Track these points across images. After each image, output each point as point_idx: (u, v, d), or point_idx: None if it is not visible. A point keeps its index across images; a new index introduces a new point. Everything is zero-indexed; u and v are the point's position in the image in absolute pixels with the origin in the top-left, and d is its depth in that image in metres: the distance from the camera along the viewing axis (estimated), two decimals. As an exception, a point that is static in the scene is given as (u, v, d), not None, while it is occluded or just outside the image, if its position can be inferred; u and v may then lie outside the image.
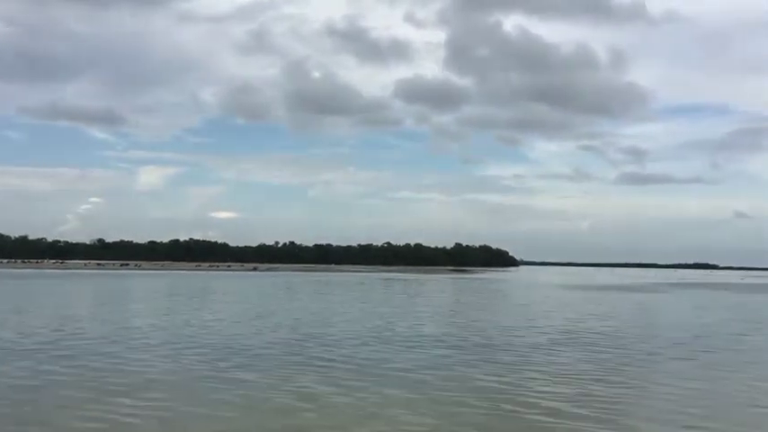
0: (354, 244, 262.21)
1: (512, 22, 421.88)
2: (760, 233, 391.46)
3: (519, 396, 15.10)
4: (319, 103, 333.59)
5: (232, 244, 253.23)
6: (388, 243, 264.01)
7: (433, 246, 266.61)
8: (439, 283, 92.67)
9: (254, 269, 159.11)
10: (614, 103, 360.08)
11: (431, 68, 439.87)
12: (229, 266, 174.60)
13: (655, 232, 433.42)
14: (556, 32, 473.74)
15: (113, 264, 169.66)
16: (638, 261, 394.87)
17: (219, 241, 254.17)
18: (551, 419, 13.04)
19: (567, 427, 12.57)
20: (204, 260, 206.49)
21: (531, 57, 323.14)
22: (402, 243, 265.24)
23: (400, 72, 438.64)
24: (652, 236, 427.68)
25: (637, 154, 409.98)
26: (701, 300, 59.01)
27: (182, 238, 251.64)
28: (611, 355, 21.70)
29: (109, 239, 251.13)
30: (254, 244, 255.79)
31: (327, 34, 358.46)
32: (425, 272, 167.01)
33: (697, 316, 39.56)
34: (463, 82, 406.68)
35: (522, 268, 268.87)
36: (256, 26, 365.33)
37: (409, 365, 19.00)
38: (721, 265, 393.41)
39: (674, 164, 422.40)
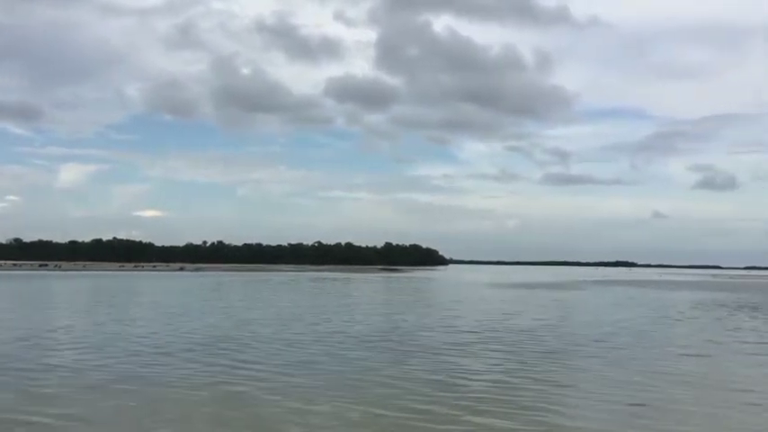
0: (285, 243, 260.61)
1: (441, 23, 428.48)
2: (676, 232, 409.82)
3: (426, 395, 15.36)
4: (249, 101, 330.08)
5: (158, 243, 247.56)
6: (319, 242, 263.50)
7: (363, 245, 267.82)
8: (367, 282, 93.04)
9: (181, 269, 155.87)
10: (540, 105, 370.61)
11: (362, 67, 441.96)
12: (155, 266, 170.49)
13: (578, 231, 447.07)
14: (484, 34, 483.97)
15: (31, 264, 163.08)
16: (562, 259, 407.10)
17: (145, 241, 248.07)
18: (459, 415, 13.38)
19: (472, 422, 12.95)
20: (129, 260, 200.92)
21: (461, 57, 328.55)
22: (333, 242, 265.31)
23: (331, 70, 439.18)
24: (576, 235, 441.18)
25: (561, 155, 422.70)
26: (618, 297, 61.12)
27: (105, 238, 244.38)
28: (521, 352, 22.29)
29: (26, 239, 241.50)
30: (181, 243, 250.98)
31: (257, 30, 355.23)
32: (356, 271, 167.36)
33: (612, 312, 40.96)
34: (394, 81, 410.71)
35: (452, 267, 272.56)
36: (183, 21, 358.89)
37: (324, 366, 19.11)
38: (640, 263, 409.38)
39: (597, 165, 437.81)
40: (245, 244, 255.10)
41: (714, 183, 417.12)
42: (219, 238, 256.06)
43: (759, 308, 47.24)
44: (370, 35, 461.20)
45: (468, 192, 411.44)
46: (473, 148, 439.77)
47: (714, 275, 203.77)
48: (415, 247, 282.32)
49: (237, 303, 44.69)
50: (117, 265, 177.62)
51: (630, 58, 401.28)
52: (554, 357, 21.20)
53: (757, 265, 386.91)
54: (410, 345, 23.77)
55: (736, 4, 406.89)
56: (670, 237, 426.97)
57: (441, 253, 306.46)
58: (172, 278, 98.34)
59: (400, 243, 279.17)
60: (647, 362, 20.52)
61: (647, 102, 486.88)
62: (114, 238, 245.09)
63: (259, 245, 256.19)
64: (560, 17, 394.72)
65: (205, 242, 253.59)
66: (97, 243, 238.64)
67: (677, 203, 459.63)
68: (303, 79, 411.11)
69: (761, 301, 57.17)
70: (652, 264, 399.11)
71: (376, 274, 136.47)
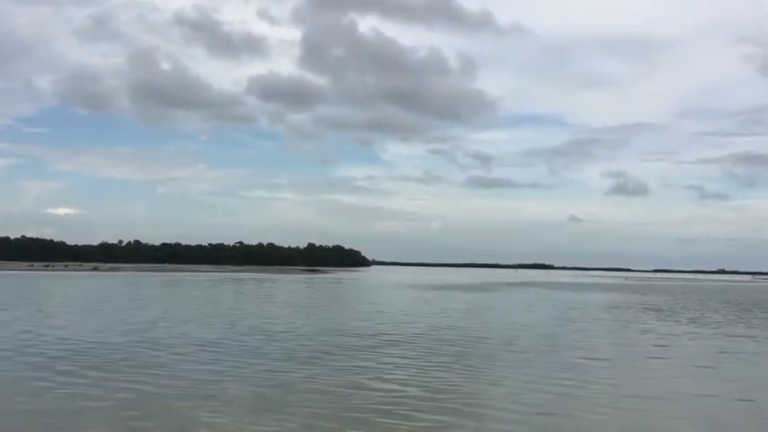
0: (205, 243, 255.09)
1: (367, 24, 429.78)
2: (590, 236, 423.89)
3: (307, 405, 15.34)
4: (168, 96, 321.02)
5: (70, 242, 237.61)
6: (241, 242, 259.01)
7: (286, 245, 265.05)
8: (288, 282, 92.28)
9: (95, 269, 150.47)
10: (463, 109, 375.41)
11: (286, 66, 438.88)
12: (66, 266, 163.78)
13: (498, 234, 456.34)
14: (410, 36, 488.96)
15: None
16: (483, 261, 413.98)
17: (56, 239, 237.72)
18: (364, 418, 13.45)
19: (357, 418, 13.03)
20: (39, 260, 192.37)
21: (386, 59, 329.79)
22: (255, 242, 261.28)
23: (254, 68, 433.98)
24: (496, 237, 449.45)
25: (483, 159, 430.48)
26: (532, 298, 62.84)
27: (13, 236, 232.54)
28: (425, 356, 22.59)
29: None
30: (95, 242, 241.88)
31: (177, 24, 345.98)
32: (278, 272, 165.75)
33: (523, 314, 42.04)
34: (319, 81, 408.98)
35: (374, 268, 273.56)
36: (100, 11, 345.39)
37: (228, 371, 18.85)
38: (557, 266, 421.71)
39: (517, 169, 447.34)
40: (164, 243, 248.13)
41: (626, 189, 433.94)
42: (136, 238, 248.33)
43: (663, 310, 49.53)
44: (295, 34, 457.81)
45: (392, 193, 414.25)
46: (397, 150, 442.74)
47: (625, 278, 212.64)
48: (339, 248, 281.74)
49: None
50: (26, 264, 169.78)
51: (550, 65, 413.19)
52: (457, 361, 21.34)
53: (665, 267, 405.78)
54: (284, 349, 23.52)
55: (649, 18, 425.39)
56: (585, 240, 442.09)
57: (364, 254, 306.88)
58: (75, 278, 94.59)
59: (324, 244, 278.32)
60: (551, 366, 20.96)
61: (565, 109, 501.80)
62: (23, 236, 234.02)
63: (178, 244, 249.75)
64: (484, 23, 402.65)
65: (121, 241, 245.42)
66: (5, 242, 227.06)
67: (592, 208, 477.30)
68: (225, 76, 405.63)
69: (666, 303, 59.96)
70: (568, 266, 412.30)
71: (297, 275, 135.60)
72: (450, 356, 22.33)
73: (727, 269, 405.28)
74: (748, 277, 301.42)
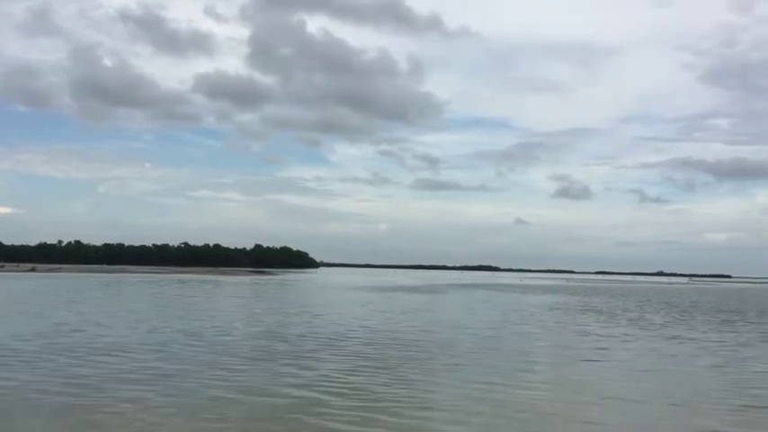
0: (149, 244, 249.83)
1: (316, 24, 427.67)
2: (536, 238, 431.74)
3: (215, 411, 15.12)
4: (111, 93, 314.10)
5: (6, 242, 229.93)
6: (186, 243, 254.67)
7: (233, 247, 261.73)
8: (232, 284, 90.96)
9: (33, 270, 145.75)
10: (412, 111, 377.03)
11: (233, 65, 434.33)
12: (2, 267, 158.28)
13: (446, 236, 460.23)
14: (359, 37, 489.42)
15: None
16: (430, 263, 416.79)
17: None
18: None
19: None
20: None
21: (335, 59, 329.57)
22: (201, 243, 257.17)
23: (201, 66, 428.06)
24: (443, 239, 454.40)
25: (431, 161, 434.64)
26: (477, 300, 63.39)
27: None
28: (361, 359, 22.48)
29: None
30: (33, 243, 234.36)
31: (121, 20, 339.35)
32: (224, 273, 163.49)
33: (467, 316, 42.36)
34: (266, 80, 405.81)
35: (322, 270, 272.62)
36: (40, 5, 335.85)
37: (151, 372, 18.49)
38: (503, 268, 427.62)
39: (464, 172, 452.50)
40: (106, 244, 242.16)
41: (570, 192, 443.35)
42: (77, 238, 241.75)
43: (603, 311, 50.67)
44: (243, 32, 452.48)
45: (340, 194, 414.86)
46: (345, 151, 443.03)
47: (567, 279, 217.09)
48: (286, 250, 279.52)
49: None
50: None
51: (497, 69, 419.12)
52: (386, 365, 21.17)
53: (606, 269, 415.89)
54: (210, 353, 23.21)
55: (594, 26, 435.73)
56: (530, 242, 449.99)
57: (312, 255, 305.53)
58: (7, 279, 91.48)
59: (271, 245, 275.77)
60: (485, 369, 20.96)
61: (512, 113, 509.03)
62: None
63: (121, 245, 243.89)
64: (433, 25, 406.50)
65: (60, 242, 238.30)
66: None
67: (537, 210, 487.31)
68: (171, 74, 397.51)
69: (606, 304, 61.39)
70: (513, 268, 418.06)
71: (243, 277, 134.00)
72: (378, 360, 22.11)
73: (665, 271, 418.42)
74: (685, 279, 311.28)
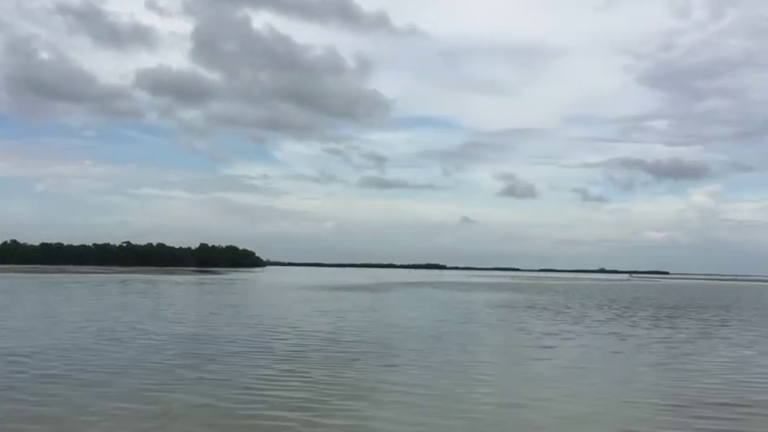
0: (90, 243, 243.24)
1: (261, 19, 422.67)
2: (482, 236, 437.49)
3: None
4: (49, 88, 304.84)
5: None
6: (128, 242, 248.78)
7: (177, 246, 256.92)
8: (175, 284, 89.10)
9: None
10: (359, 109, 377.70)
11: (177, 60, 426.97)
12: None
13: (393, 234, 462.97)
14: (305, 34, 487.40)
15: None
16: (378, 262, 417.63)
17: None
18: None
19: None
20: None
21: (281, 56, 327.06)
22: (144, 242, 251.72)
23: (143, 61, 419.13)
24: (391, 238, 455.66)
25: (378, 159, 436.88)
26: (420, 298, 63.58)
27: None
28: (297, 360, 22.22)
29: None
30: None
31: (59, 13, 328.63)
32: (168, 273, 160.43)
33: (409, 314, 42.37)
34: (211, 76, 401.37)
35: (269, 269, 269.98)
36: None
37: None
38: (449, 266, 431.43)
39: (411, 171, 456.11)
40: (44, 243, 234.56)
41: (516, 191, 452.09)
42: (13, 237, 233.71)
43: (547, 308, 51.52)
44: (186, 27, 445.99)
45: (287, 193, 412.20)
46: (292, 149, 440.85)
47: (512, 277, 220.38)
48: (232, 249, 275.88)
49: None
50: None
51: (445, 69, 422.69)
52: (322, 366, 20.88)
53: (550, 267, 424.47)
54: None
55: (539, 28, 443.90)
56: (477, 240, 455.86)
57: (258, 254, 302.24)
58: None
59: (216, 244, 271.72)
60: (423, 369, 20.80)
61: (458, 112, 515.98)
62: None
63: (60, 245, 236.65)
64: (380, 23, 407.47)
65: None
66: None
67: (483, 209, 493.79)
68: (111, 68, 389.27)
69: (549, 301, 62.28)
70: (460, 266, 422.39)
71: (188, 277, 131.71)
72: (312, 362, 21.76)
73: (606, 268, 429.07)
74: (626, 276, 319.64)
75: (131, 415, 14.12)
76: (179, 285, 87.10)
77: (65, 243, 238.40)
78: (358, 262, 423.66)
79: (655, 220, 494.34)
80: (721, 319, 44.66)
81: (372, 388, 17.62)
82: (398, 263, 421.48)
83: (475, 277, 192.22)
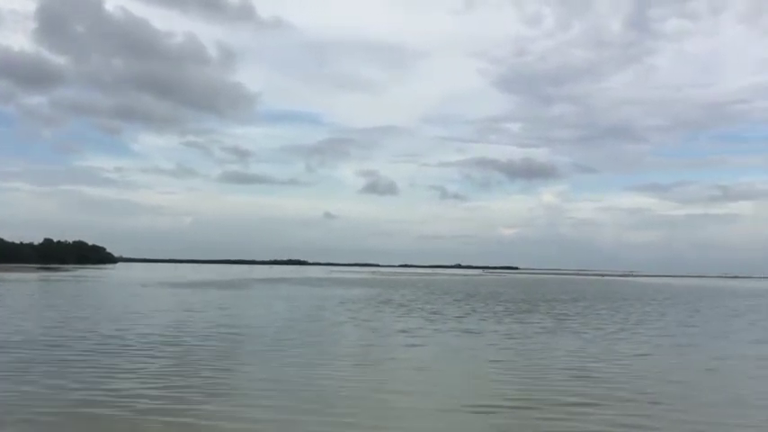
0: None
1: (114, 1, 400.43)
2: (344, 232, 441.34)
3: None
4: None
5: None
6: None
7: (18, 241, 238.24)
8: (12, 282, 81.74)
9: None
10: (221, 101, 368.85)
11: (18, 41, 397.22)
12: None
13: (254, 230, 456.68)
14: (164, 20, 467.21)
15: None
16: (238, 258, 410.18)
17: None
18: None
19: None
20: None
21: (136, 42, 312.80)
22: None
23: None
24: (252, 233, 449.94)
25: (240, 154, 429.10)
26: (276, 295, 61.92)
27: None
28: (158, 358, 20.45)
29: None
30: None
31: None
32: (6, 270, 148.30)
33: (262, 312, 40.67)
34: (58, 60, 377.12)
35: (121, 265, 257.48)
36: None
37: None
38: (311, 262, 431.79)
39: (274, 166, 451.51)
40: None
41: (378, 187, 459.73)
42: None
43: (403, 304, 51.98)
44: (29, 5, 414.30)
45: (143, 186, 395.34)
46: (149, 141, 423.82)
47: (372, 272, 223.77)
48: (80, 244, 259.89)
49: None
50: None
51: (310, 64, 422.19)
52: (149, 368, 19.65)
53: (409, 263, 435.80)
54: None
55: (403, 28, 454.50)
56: (339, 236, 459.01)
57: (110, 250, 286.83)
58: None
59: (63, 239, 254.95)
60: (254, 373, 19.75)
61: (323, 108, 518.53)
62: None
63: None
64: (245, 14, 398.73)
65: None
66: None
67: (346, 205, 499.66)
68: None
69: (404, 297, 62.73)
70: (322, 262, 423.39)
71: (29, 274, 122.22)
72: (149, 365, 20.27)
73: (462, 264, 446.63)
74: (480, 271, 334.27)
75: None
76: (20, 283, 79.97)
77: None
78: (217, 258, 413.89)
79: (508, 217, 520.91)
80: (575, 312, 46.16)
81: (217, 386, 16.53)
82: (260, 259, 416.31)
83: (336, 273, 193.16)
